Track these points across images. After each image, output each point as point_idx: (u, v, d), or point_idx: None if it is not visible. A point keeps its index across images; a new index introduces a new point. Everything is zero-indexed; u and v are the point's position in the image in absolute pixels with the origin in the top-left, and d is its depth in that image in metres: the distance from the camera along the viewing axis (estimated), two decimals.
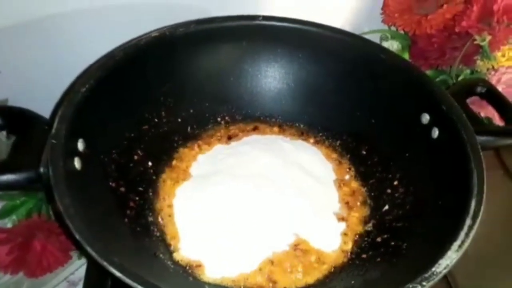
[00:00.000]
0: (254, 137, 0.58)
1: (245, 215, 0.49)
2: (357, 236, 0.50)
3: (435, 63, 0.66)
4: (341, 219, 0.51)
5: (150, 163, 0.52)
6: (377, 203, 0.52)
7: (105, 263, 0.34)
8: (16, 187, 0.44)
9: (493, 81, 0.61)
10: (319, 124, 0.60)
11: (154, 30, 0.52)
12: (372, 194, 0.54)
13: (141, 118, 0.53)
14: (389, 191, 0.52)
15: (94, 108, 0.45)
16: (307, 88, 0.59)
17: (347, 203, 0.53)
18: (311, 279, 0.46)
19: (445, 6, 0.62)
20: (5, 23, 0.54)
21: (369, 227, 0.51)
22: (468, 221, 0.39)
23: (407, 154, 0.52)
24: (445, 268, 0.36)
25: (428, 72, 0.65)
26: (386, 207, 0.51)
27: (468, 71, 0.65)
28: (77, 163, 0.42)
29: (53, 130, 0.41)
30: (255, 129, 0.59)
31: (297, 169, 0.54)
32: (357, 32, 0.58)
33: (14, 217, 0.56)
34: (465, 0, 0.61)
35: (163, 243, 0.47)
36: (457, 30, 0.61)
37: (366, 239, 0.50)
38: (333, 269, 0.47)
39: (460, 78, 0.65)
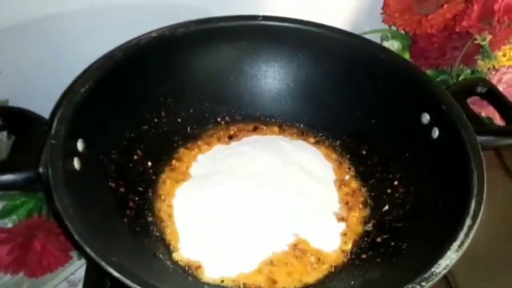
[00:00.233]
0: (254, 137, 0.58)
1: (245, 215, 0.49)
2: (357, 236, 0.50)
3: (435, 63, 0.66)
4: (341, 219, 0.51)
5: (149, 163, 0.52)
6: (377, 203, 0.52)
7: (103, 263, 0.34)
8: (15, 187, 0.44)
9: (494, 81, 0.61)
10: (319, 124, 0.59)
11: (154, 30, 0.52)
12: (372, 194, 0.54)
13: (141, 118, 0.53)
14: (389, 191, 0.52)
15: (94, 108, 0.45)
16: (307, 88, 0.59)
17: (347, 203, 0.53)
18: (311, 279, 0.46)
19: (445, 5, 0.62)
20: (5, 23, 0.54)
21: (369, 227, 0.51)
22: (468, 221, 0.39)
23: (407, 154, 0.52)
24: (444, 268, 0.36)
25: (429, 72, 0.65)
26: (386, 207, 0.51)
27: (468, 71, 0.65)
28: (76, 163, 0.42)
29: (53, 131, 0.41)
30: (255, 129, 0.59)
31: (297, 169, 0.54)
32: (357, 32, 0.58)
33: (14, 217, 0.56)
34: (465, 0, 0.61)
35: (162, 243, 0.47)
36: (457, 29, 0.61)
37: (366, 239, 0.50)
38: (333, 269, 0.47)
39: (460, 78, 0.64)
